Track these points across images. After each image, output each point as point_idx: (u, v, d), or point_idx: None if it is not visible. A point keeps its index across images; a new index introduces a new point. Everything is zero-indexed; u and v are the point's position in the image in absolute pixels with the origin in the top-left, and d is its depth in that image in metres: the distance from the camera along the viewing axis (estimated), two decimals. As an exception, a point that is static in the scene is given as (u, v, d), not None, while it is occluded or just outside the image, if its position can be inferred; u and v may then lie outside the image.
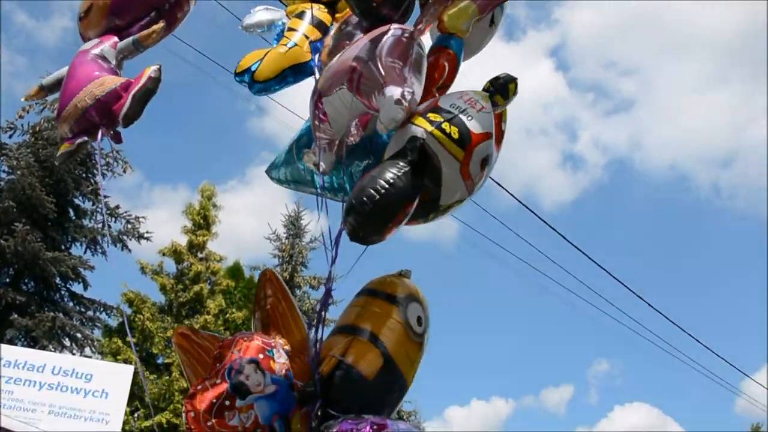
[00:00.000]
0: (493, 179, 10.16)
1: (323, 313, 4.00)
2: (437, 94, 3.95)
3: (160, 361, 23.01)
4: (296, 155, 4.35)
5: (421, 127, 3.63)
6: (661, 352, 19.18)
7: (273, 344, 3.87)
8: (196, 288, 22.96)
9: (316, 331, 3.93)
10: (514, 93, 3.92)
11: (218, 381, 3.66)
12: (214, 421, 3.60)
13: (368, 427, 3.64)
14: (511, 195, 11.45)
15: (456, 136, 3.62)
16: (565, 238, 12.82)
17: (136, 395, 20.08)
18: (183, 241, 24.08)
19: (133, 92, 4.00)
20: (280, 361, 3.83)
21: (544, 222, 12.56)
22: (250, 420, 3.68)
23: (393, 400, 4.06)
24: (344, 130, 3.79)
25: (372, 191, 3.46)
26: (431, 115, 3.68)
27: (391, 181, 3.49)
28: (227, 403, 3.62)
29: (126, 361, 19.51)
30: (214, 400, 3.61)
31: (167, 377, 21.54)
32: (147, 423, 20.70)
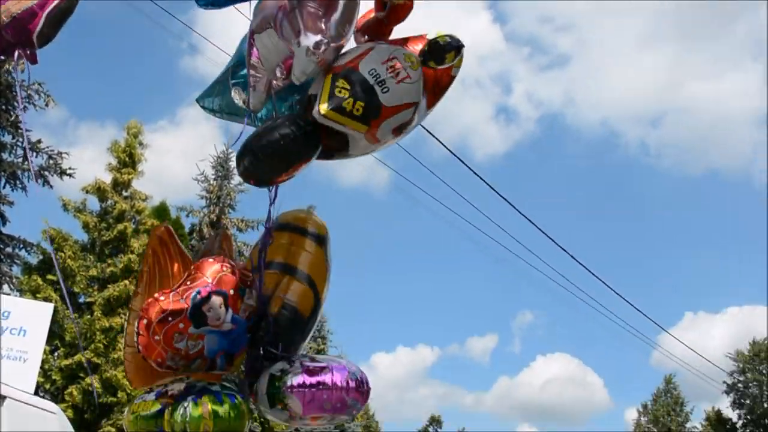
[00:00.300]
0: (426, 129, 10.19)
1: (263, 253, 3.98)
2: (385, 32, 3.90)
3: (81, 300, 22.68)
4: (231, 86, 4.23)
5: (318, 108, 3.53)
6: (583, 305, 19.83)
7: (249, 282, 3.81)
8: (120, 227, 22.55)
9: (260, 271, 3.91)
10: (453, 60, 3.78)
11: (182, 300, 3.59)
12: (161, 336, 3.55)
13: (339, 376, 3.79)
14: (443, 145, 11.49)
15: (359, 113, 3.55)
16: (493, 189, 12.98)
17: (56, 333, 19.78)
18: (107, 179, 23.54)
19: (47, 10, 3.81)
20: (248, 302, 3.79)
21: (475, 173, 12.68)
22: (196, 348, 3.65)
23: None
24: (272, 71, 3.74)
25: (267, 143, 3.54)
26: (339, 85, 3.56)
27: (289, 137, 3.53)
28: (181, 325, 3.57)
29: (46, 299, 19.11)
30: (170, 318, 3.55)
31: (89, 316, 21.23)
32: (67, 361, 20.43)
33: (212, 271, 3.72)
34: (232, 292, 3.70)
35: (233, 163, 26.04)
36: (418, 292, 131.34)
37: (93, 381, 20.30)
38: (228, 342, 3.76)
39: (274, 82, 3.74)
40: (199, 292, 3.61)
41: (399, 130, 3.74)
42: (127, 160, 23.72)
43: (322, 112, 3.51)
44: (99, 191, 23.06)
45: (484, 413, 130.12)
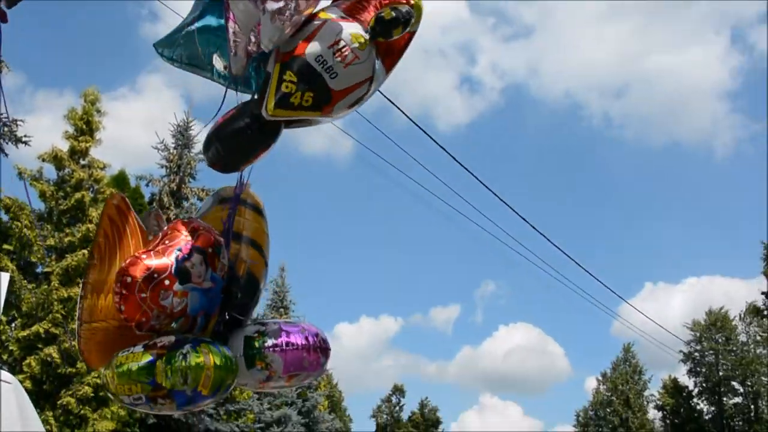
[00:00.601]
0: (389, 99, 10.11)
1: (231, 219, 4.06)
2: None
3: (39, 270, 22.43)
4: (198, 40, 4.13)
5: (265, 107, 3.56)
6: (545, 275, 20.06)
7: (222, 242, 3.85)
8: (78, 195, 22.17)
9: (227, 237, 3.98)
10: (402, 33, 3.68)
11: (164, 258, 3.58)
12: (148, 294, 3.52)
13: (312, 335, 4.03)
14: (406, 115, 11.47)
15: (308, 103, 3.57)
16: (456, 160, 12.99)
17: (13, 304, 19.51)
18: (65, 147, 23.13)
19: None
20: (223, 261, 3.83)
21: (437, 143, 12.72)
22: (180, 306, 3.64)
23: None
24: (248, 36, 3.70)
25: (228, 135, 3.69)
26: (287, 78, 3.55)
27: (249, 129, 3.65)
28: (167, 282, 3.55)
29: (2, 269, 18.80)
30: (156, 275, 3.53)
31: (46, 286, 20.94)
32: (24, 332, 20.18)
33: (190, 229, 3.74)
34: (210, 250, 3.73)
35: (194, 131, 26.02)
36: (381, 262, 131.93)
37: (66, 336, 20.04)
38: (207, 301, 3.79)
39: (249, 47, 3.70)
40: (180, 249, 3.62)
41: (356, 104, 3.76)
42: (85, 128, 23.30)
43: (270, 112, 3.56)
44: (56, 159, 22.63)
45: (447, 383, 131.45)
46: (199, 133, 25.04)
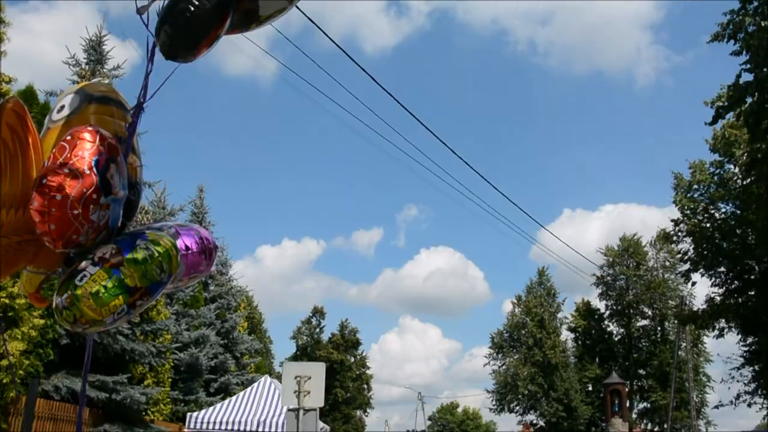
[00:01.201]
0: (313, 22, 9.88)
1: (134, 128, 4.02)
2: None
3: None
4: None
5: None
6: (467, 200, 20.41)
7: (119, 148, 3.77)
8: (-18, 111, 21.18)
9: (129, 142, 3.94)
10: None
11: (88, 171, 3.48)
12: (80, 210, 3.45)
13: (206, 235, 4.24)
14: (331, 40, 11.32)
15: None
16: (380, 85, 12.90)
17: None
18: (-34, 59, 21.98)
19: None
20: (126, 169, 3.78)
21: (362, 69, 12.68)
22: (105, 219, 3.60)
23: None
24: None
25: (179, 14, 3.61)
26: None
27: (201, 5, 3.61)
28: (95, 196, 3.48)
29: None
30: (85, 190, 3.44)
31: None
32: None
33: (98, 138, 3.62)
34: (118, 159, 3.68)
35: (107, 47, 25.08)
36: (304, 185, 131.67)
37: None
38: (120, 210, 3.75)
39: None
40: (98, 161, 3.52)
41: None
42: (-13, 39, 22.16)
43: None
44: (-44, 72, 21.54)
45: (368, 305, 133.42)
46: (113, 48, 24.16)
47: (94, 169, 3.50)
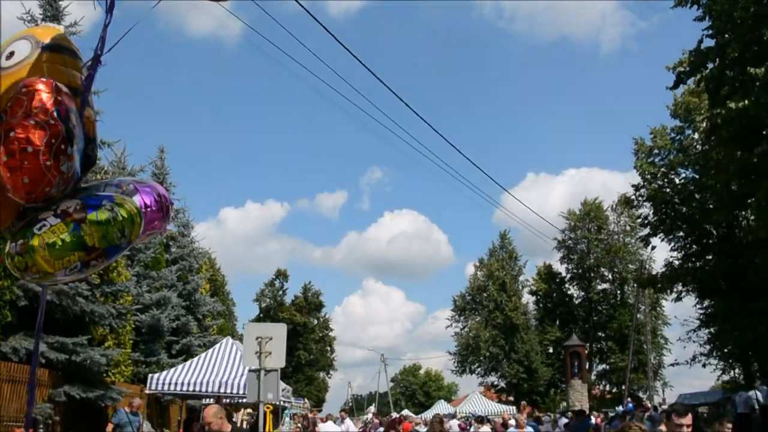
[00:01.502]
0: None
1: (91, 81, 3.95)
2: None
3: None
4: None
5: None
6: (431, 164, 20.39)
7: (78, 103, 3.72)
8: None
9: (86, 95, 3.86)
10: None
11: (53, 122, 3.41)
12: (52, 161, 3.40)
13: (163, 192, 4.23)
14: (296, 1, 11.22)
15: None
16: (343, 46, 12.77)
17: None
18: None
19: None
20: (80, 119, 3.70)
21: (326, 30, 12.58)
22: (72, 170, 3.55)
23: None
24: None
25: None
26: None
27: None
28: (63, 146, 3.43)
29: None
30: (53, 140, 3.39)
31: None
32: None
33: (54, 89, 3.53)
34: (76, 109, 3.62)
35: (64, 2, 24.42)
36: (268, 146, 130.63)
37: None
38: (81, 161, 3.70)
39: None
40: (59, 111, 3.44)
41: None
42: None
43: None
44: None
45: (332, 267, 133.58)
46: (70, 4, 23.58)
47: (59, 120, 3.43)
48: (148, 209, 4.00)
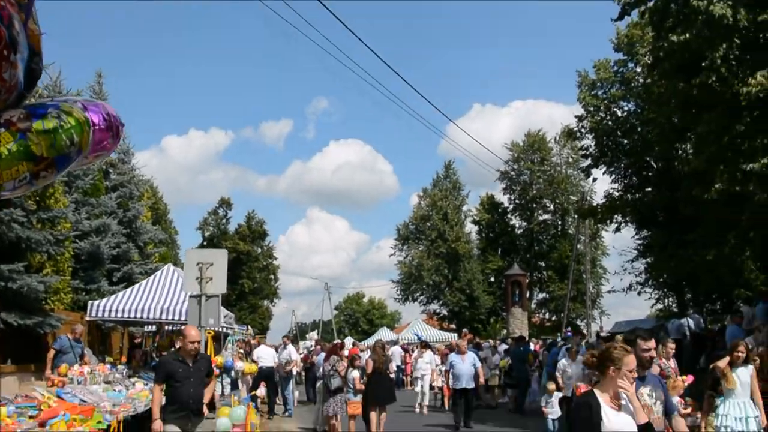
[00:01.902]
0: None
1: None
2: None
3: None
4: None
5: None
6: (377, 93, 20.16)
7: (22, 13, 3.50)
8: None
9: (29, 6, 3.68)
10: None
11: None
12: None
13: (112, 111, 4.11)
14: None
15: None
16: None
17: None
18: None
19: None
20: (22, 30, 3.48)
21: None
22: (15, 79, 3.36)
23: None
24: None
25: None
26: None
27: None
28: (5, 52, 3.23)
29: None
30: None
31: None
32: None
33: None
34: (20, 15, 3.41)
35: None
36: (211, 73, 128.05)
37: None
38: (23, 75, 3.52)
39: None
40: (1, 15, 3.21)
41: None
42: None
43: None
44: None
45: (276, 196, 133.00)
46: None
47: (1, 24, 3.22)
48: (96, 127, 3.83)
